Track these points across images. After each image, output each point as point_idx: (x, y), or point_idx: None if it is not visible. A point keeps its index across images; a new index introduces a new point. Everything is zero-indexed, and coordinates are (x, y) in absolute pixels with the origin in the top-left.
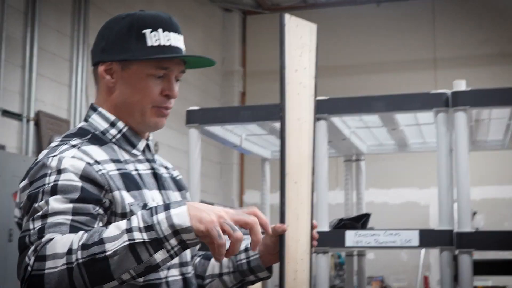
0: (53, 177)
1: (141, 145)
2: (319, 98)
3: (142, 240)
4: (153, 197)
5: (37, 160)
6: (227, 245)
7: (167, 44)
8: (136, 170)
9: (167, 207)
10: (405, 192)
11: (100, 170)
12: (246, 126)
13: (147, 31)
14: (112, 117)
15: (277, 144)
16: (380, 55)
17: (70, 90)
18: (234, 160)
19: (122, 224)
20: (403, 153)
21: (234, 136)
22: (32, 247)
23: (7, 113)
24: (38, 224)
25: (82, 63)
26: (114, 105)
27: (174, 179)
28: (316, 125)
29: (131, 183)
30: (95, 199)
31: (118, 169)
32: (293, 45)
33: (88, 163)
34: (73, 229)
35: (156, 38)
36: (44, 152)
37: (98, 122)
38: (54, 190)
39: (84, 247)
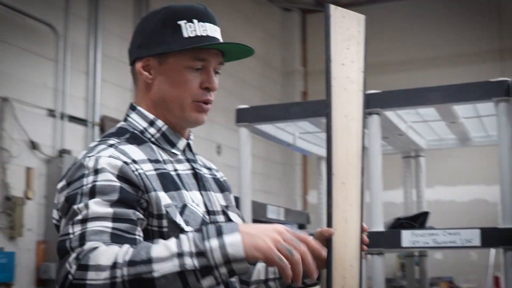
0: (91, 178)
1: (181, 144)
2: (370, 91)
3: (193, 268)
4: (193, 197)
5: (75, 161)
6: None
7: (204, 34)
8: (175, 170)
9: (219, 231)
10: (472, 189)
11: (136, 169)
12: (299, 124)
13: (182, 23)
14: (151, 116)
15: None
16: (442, 48)
17: (134, 95)
18: (297, 161)
19: (172, 245)
20: (466, 147)
21: (287, 134)
22: (74, 255)
23: (72, 119)
24: (78, 229)
25: None
26: (153, 102)
27: (217, 180)
28: (369, 120)
29: (169, 183)
30: (134, 199)
31: (156, 169)
32: (340, 37)
33: (125, 162)
34: (115, 237)
35: (192, 29)
36: (83, 152)
37: (137, 121)
38: (93, 192)
39: (130, 263)
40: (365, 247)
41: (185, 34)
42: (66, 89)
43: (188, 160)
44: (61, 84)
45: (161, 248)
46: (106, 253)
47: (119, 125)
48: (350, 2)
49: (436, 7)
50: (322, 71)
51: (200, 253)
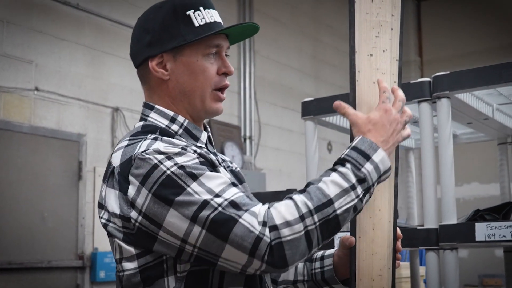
0: (168, 163)
1: (204, 137)
2: (437, 74)
3: (362, 195)
4: None
5: (124, 163)
6: None
7: (212, 20)
8: None
9: (365, 155)
10: None
11: (194, 151)
12: None
13: (191, 12)
14: (171, 113)
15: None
16: None
17: (240, 97)
18: None
19: (339, 180)
20: None
21: None
22: (253, 219)
23: None
24: (221, 200)
25: (250, 69)
26: (171, 99)
27: (234, 172)
28: (437, 105)
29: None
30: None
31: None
32: (367, 25)
33: (182, 148)
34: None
35: (201, 17)
36: (118, 155)
37: (158, 120)
38: (188, 171)
39: (317, 210)
40: (399, 256)
41: (196, 24)
42: None
43: (211, 153)
44: None
45: (332, 186)
46: (284, 208)
47: (140, 124)
48: None
49: None
50: (439, 60)
51: (362, 180)
